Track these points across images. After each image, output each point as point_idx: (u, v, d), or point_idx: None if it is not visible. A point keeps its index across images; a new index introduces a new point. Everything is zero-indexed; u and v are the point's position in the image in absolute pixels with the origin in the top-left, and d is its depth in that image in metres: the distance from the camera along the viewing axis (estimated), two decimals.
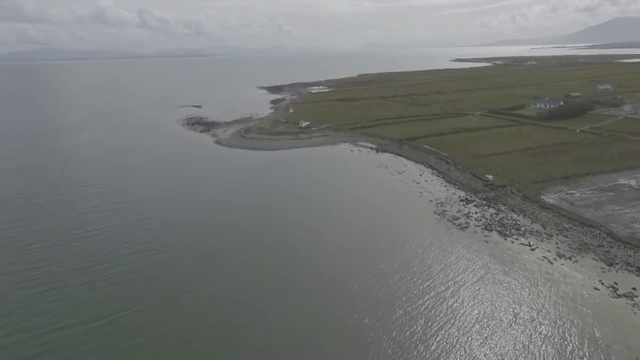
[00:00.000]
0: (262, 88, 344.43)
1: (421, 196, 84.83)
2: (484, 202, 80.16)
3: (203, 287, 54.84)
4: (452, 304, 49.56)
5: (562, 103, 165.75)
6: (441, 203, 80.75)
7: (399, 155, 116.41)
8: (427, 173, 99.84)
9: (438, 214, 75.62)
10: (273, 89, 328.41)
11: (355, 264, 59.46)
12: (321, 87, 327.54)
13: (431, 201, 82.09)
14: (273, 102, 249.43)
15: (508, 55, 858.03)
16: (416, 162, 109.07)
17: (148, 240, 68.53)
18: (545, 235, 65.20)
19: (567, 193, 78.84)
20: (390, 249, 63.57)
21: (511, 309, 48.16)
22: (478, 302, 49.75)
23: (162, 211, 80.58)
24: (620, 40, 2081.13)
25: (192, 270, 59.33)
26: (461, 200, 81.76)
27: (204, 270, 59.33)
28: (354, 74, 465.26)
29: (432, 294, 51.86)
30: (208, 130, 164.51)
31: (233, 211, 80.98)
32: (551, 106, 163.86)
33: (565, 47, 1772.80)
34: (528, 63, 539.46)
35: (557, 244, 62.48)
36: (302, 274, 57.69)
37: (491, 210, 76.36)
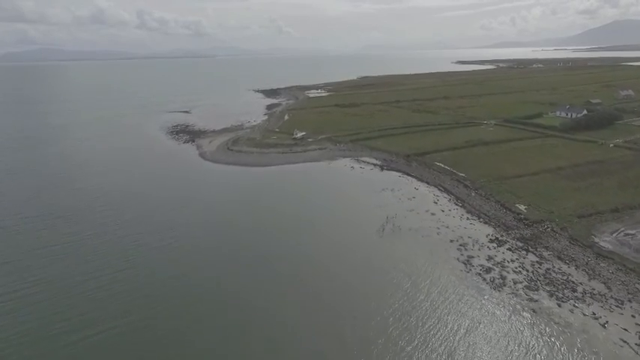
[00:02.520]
0: (258, 91, 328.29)
1: (439, 234, 68.28)
2: (520, 243, 63.67)
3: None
4: None
5: (585, 111, 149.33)
6: (465, 245, 64.24)
7: (408, 175, 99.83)
8: (443, 200, 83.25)
9: (463, 262, 59.10)
10: (269, 93, 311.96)
11: (354, 350, 42.85)
12: (319, 90, 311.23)
13: (452, 241, 65.56)
14: (268, 107, 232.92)
15: (511, 58, 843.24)
16: (428, 184, 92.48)
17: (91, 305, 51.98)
18: (613, 302, 48.64)
19: (627, 235, 62.30)
20: (401, 322, 46.97)
21: None
22: None
23: (114, 263, 63.90)
24: (620, 42, 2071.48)
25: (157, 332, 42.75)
26: (490, 241, 65.22)
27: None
28: (354, 77, 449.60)
29: None
30: (193, 141, 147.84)
31: (199, 252, 64.36)
32: (574, 115, 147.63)
33: (566, 49, 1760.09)
34: (534, 66, 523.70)
35: (634, 317, 45.96)
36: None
37: (532, 257, 59.83)
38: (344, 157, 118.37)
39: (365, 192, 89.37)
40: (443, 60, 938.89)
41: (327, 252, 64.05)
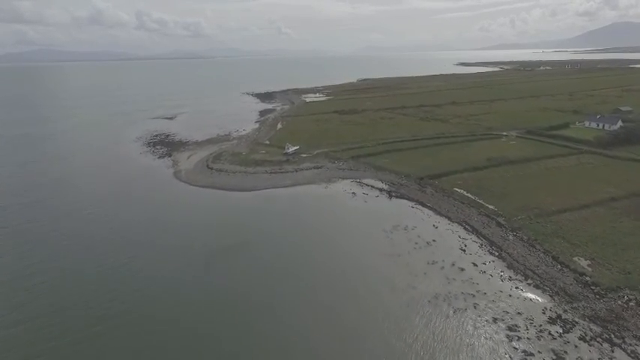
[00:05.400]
0: (252, 95, 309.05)
1: (476, 307, 49.01)
2: (596, 328, 44.48)
3: None
4: None
5: (621, 122, 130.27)
6: (515, 328, 45.03)
7: (423, 205, 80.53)
8: (473, 245, 63.99)
9: None
10: (264, 96, 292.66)
11: None
12: (317, 94, 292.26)
13: (496, 321, 46.31)
14: (261, 113, 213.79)
15: (515, 60, 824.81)
16: (450, 220, 73.19)
17: None
18: None
19: None
20: None
21: None
22: None
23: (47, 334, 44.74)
24: (620, 44, 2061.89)
25: None
26: (550, 320, 45.99)
27: None
28: (354, 79, 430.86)
29: None
30: (170, 155, 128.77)
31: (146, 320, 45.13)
32: (608, 127, 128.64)
33: (566, 51, 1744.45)
34: (542, 68, 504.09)
35: None
36: None
37: (621, 355, 40.56)
38: (343, 178, 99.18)
39: (371, 231, 70.11)
40: (444, 61, 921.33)
41: (310, 340, 44.73)
